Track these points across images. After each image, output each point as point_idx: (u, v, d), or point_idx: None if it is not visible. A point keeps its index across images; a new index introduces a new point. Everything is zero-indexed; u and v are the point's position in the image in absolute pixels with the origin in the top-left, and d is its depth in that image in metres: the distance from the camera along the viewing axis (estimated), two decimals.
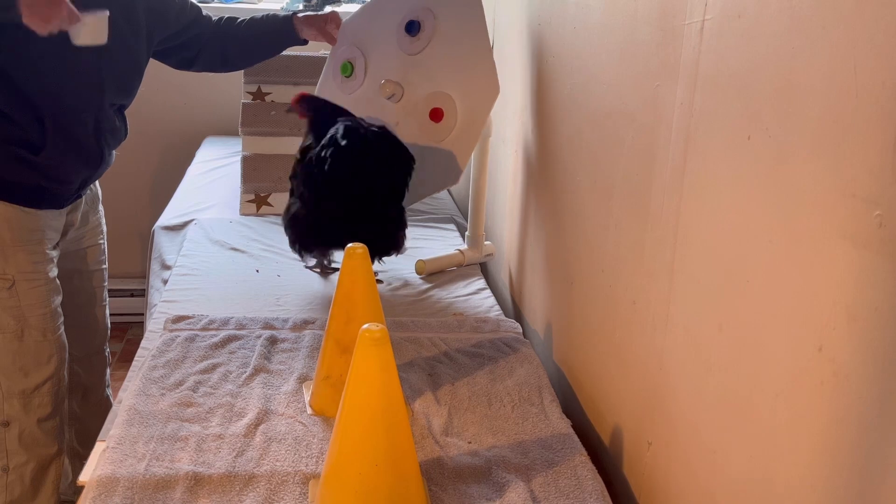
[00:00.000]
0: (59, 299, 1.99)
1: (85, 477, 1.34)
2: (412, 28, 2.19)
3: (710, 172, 1.19)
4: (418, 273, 2.27)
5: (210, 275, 2.21)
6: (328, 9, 3.41)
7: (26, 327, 1.91)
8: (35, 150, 1.84)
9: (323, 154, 1.92)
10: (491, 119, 2.18)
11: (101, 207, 2.20)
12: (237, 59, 2.24)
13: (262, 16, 2.21)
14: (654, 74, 1.36)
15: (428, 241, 2.49)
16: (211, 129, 3.49)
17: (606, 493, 1.38)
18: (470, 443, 1.48)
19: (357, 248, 1.51)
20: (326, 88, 2.39)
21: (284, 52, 2.31)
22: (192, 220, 2.59)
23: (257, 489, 1.32)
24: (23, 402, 1.94)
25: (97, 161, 1.97)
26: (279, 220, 2.19)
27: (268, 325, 1.87)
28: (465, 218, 2.70)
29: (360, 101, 2.29)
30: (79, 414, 2.22)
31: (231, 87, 3.18)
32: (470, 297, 2.16)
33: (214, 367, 1.68)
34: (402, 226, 2.07)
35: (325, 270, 2.22)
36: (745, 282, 1.09)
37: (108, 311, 2.28)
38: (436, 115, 2.16)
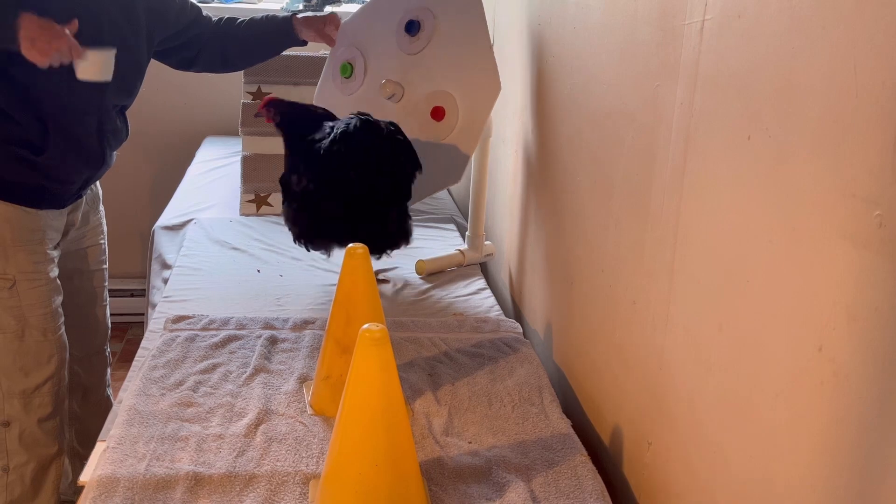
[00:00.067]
0: (59, 299, 1.99)
1: (85, 477, 1.34)
2: (412, 28, 2.19)
3: (710, 172, 1.19)
4: (418, 273, 2.27)
5: (210, 275, 2.21)
6: (328, 9, 3.42)
7: (27, 327, 1.91)
8: (36, 150, 1.84)
9: (335, 149, 1.92)
10: (491, 119, 2.18)
11: (101, 207, 2.20)
12: (237, 59, 2.24)
13: (262, 16, 2.21)
14: (654, 74, 1.36)
15: (428, 241, 2.49)
16: (211, 129, 3.49)
17: (606, 493, 1.38)
18: (470, 443, 1.48)
19: (357, 248, 1.51)
20: (326, 90, 2.39)
21: (284, 53, 2.31)
22: (192, 220, 2.59)
23: (257, 489, 1.32)
24: (23, 402, 1.94)
25: (98, 161, 1.97)
26: (280, 219, 2.19)
27: (268, 325, 1.87)
28: (465, 218, 2.70)
29: (360, 101, 2.29)
30: (79, 414, 2.23)
31: (231, 87, 3.18)
32: (470, 297, 2.16)
33: (215, 367, 1.68)
34: (404, 228, 2.06)
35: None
36: (745, 282, 1.09)
37: (108, 311, 2.28)
38: (437, 113, 2.16)
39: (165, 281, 2.23)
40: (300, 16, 2.19)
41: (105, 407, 2.18)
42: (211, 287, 2.13)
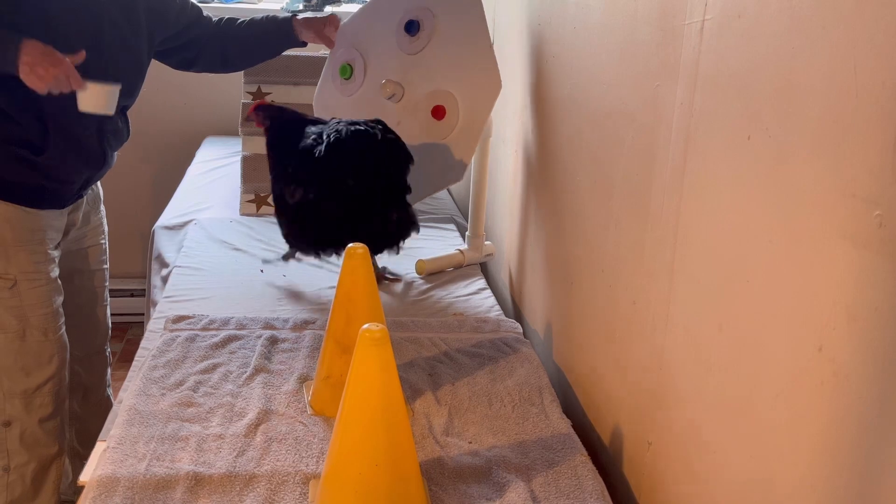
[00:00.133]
0: (60, 299, 1.99)
1: (85, 477, 1.34)
2: (411, 28, 2.19)
3: (710, 172, 1.19)
4: (418, 273, 2.27)
5: (210, 275, 2.21)
6: (328, 9, 3.42)
7: (28, 327, 1.91)
8: (37, 150, 1.84)
9: (331, 155, 1.92)
10: (491, 119, 2.18)
11: (102, 207, 2.20)
12: (237, 59, 2.24)
13: (262, 17, 2.21)
14: (654, 74, 1.36)
15: (428, 241, 2.49)
16: (211, 129, 3.49)
17: (606, 493, 1.38)
18: (470, 443, 1.48)
19: (357, 248, 1.51)
20: (325, 91, 2.39)
21: (284, 53, 2.32)
22: (192, 220, 2.59)
23: (257, 489, 1.32)
24: (24, 402, 1.94)
25: (99, 162, 1.97)
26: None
27: (268, 325, 1.87)
28: (465, 218, 2.70)
29: (360, 102, 2.29)
30: (79, 414, 2.23)
31: (231, 87, 3.18)
32: (470, 297, 2.16)
33: (215, 367, 1.68)
34: (405, 227, 2.06)
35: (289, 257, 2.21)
36: (745, 282, 1.09)
37: (108, 311, 2.28)
38: (438, 112, 2.16)
39: (165, 278, 2.23)
40: (300, 17, 2.20)
41: (105, 407, 2.18)
42: (211, 287, 2.13)
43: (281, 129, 2.06)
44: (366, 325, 1.19)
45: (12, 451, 1.95)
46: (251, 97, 2.75)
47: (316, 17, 2.20)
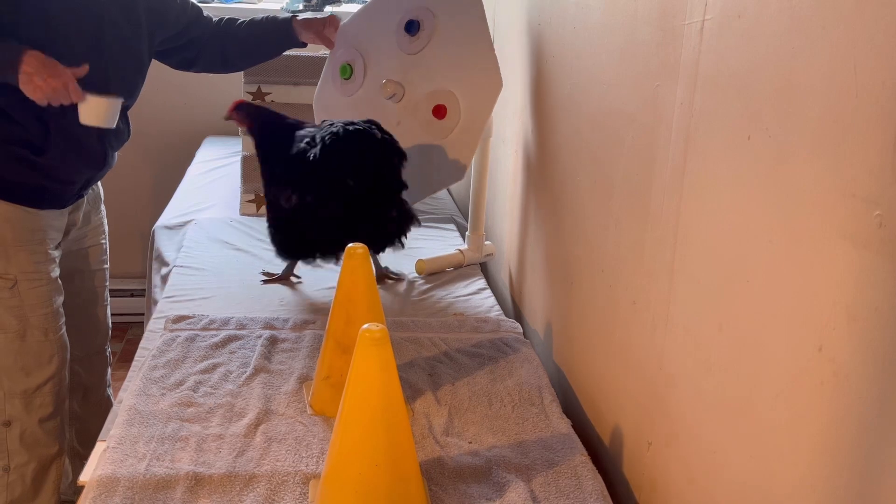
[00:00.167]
0: (60, 299, 1.99)
1: (85, 477, 1.34)
2: (411, 27, 2.19)
3: (710, 172, 1.19)
4: (418, 273, 2.27)
5: (210, 274, 2.21)
6: (328, 9, 3.42)
7: (28, 327, 1.91)
8: (37, 150, 1.84)
9: (329, 157, 1.91)
10: (491, 119, 2.18)
11: (103, 207, 2.21)
12: (237, 59, 2.24)
13: (262, 18, 2.21)
14: (654, 74, 1.36)
15: (428, 241, 2.49)
16: (211, 129, 3.49)
17: (606, 493, 1.38)
18: (470, 443, 1.48)
19: (357, 247, 1.51)
20: (325, 92, 2.39)
21: (284, 53, 2.32)
22: (192, 220, 2.59)
23: (257, 489, 1.32)
24: (24, 402, 1.94)
25: (100, 162, 1.97)
26: None
27: (268, 325, 1.87)
28: (465, 218, 2.70)
29: (360, 102, 2.29)
30: (79, 414, 2.23)
31: (231, 87, 3.18)
32: (470, 297, 2.16)
33: (215, 367, 1.68)
34: (405, 222, 2.06)
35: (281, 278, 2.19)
36: (745, 282, 1.09)
37: (109, 311, 2.28)
38: (439, 111, 2.16)
39: (164, 278, 2.23)
40: (300, 17, 2.20)
41: (105, 407, 2.18)
42: (211, 287, 2.13)
43: (273, 135, 2.06)
44: (366, 325, 1.19)
45: (12, 451, 1.95)
46: (251, 97, 2.75)
47: (316, 18, 2.20)
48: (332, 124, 1.96)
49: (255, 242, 2.43)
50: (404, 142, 2.03)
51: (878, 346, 0.85)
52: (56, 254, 1.98)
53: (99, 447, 1.42)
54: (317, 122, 2.22)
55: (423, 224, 2.62)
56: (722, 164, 1.15)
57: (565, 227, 1.85)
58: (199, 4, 2.15)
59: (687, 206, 1.26)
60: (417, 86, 2.20)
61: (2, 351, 1.91)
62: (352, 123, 1.94)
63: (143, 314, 2.79)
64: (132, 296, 3.44)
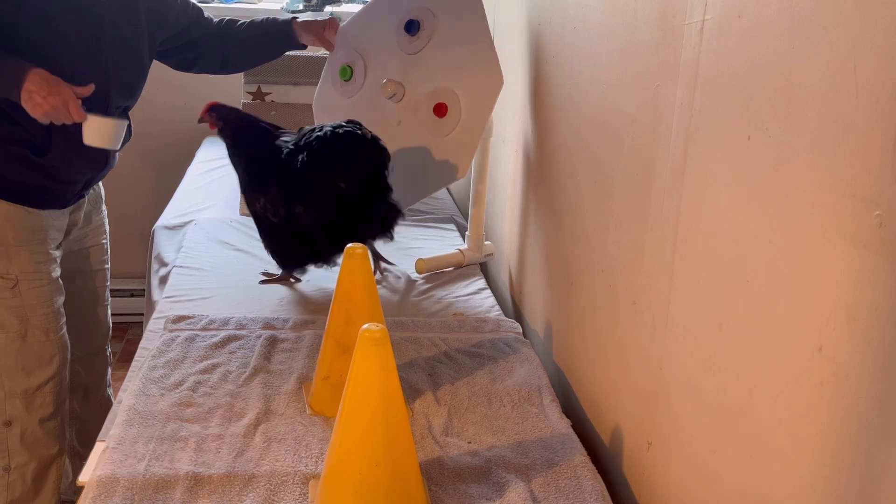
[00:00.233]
0: (61, 299, 1.99)
1: (85, 477, 1.34)
2: (411, 27, 2.19)
3: (710, 172, 1.19)
4: (418, 273, 2.27)
5: (210, 274, 2.21)
6: (328, 10, 3.42)
7: (29, 327, 1.91)
8: (39, 151, 1.84)
9: (320, 162, 1.91)
10: (491, 119, 2.18)
11: (104, 207, 2.21)
12: (237, 60, 2.24)
13: (263, 19, 2.21)
14: (654, 74, 1.36)
15: (428, 241, 2.49)
16: (211, 130, 3.48)
17: (606, 493, 1.38)
18: (470, 443, 1.48)
19: (356, 247, 1.51)
20: (325, 93, 2.39)
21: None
22: (192, 220, 2.59)
23: (257, 489, 1.32)
24: (25, 402, 1.94)
25: (101, 162, 1.97)
26: None
27: (268, 325, 1.87)
28: (465, 218, 2.70)
29: (361, 103, 2.29)
30: (80, 414, 2.23)
31: (231, 87, 3.18)
32: (470, 297, 2.16)
33: (214, 367, 1.68)
34: (392, 217, 2.06)
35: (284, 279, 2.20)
36: (745, 282, 1.09)
37: (109, 311, 2.28)
38: (440, 109, 2.16)
39: (164, 278, 2.23)
40: (300, 19, 2.20)
41: (106, 407, 2.18)
42: (211, 287, 2.13)
43: (237, 134, 2.05)
44: (366, 325, 1.19)
45: (13, 451, 1.96)
46: (251, 97, 2.75)
47: (316, 21, 2.21)
48: (312, 129, 1.95)
49: (254, 242, 2.43)
50: (405, 141, 2.03)
51: (878, 346, 0.85)
52: (57, 254, 1.98)
53: (98, 447, 1.42)
54: (316, 123, 2.22)
55: (423, 224, 2.63)
56: (722, 164, 1.15)
57: (565, 227, 1.85)
58: (200, 5, 2.16)
59: (687, 206, 1.26)
60: (418, 85, 2.20)
61: (3, 351, 1.91)
62: (339, 126, 1.93)
63: (143, 314, 2.79)
64: (132, 296, 3.44)
